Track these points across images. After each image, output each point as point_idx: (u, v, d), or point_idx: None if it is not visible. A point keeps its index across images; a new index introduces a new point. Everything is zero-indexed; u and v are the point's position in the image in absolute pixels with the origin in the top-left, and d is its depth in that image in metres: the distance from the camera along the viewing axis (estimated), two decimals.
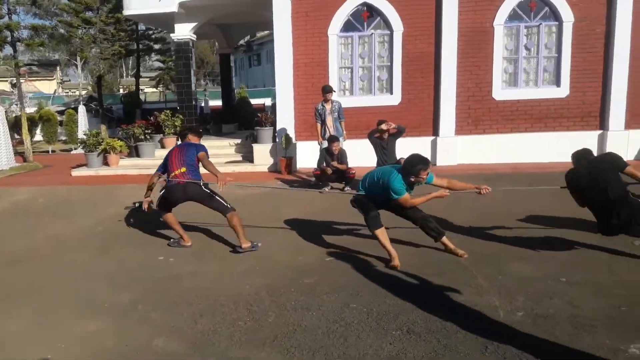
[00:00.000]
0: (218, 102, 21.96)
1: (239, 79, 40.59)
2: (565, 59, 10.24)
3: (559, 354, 3.23)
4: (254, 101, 20.25)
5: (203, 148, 5.71)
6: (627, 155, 10.13)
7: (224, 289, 4.54)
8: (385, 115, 9.72)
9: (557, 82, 10.43)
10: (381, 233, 5.00)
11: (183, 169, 5.53)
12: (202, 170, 5.62)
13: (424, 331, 3.62)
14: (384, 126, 8.10)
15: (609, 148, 10.14)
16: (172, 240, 5.90)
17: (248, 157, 11.54)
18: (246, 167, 10.96)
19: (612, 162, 4.89)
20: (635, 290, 4.08)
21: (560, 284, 4.31)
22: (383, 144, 8.30)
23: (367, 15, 10.66)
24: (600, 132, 10.38)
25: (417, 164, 4.79)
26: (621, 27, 9.82)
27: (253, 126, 12.14)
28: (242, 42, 28.48)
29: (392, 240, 5.59)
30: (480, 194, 5.07)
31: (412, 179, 4.79)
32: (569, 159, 9.63)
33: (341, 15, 10.59)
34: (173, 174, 5.56)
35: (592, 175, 4.83)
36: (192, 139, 5.91)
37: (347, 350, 3.44)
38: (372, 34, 10.68)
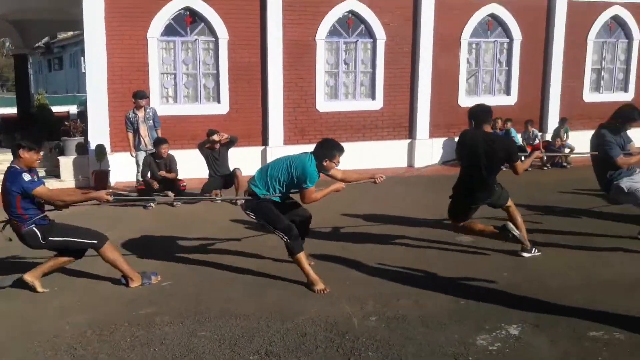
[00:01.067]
0: (9, 110, 18.97)
1: (36, 84, 35.80)
2: (379, 74, 11.08)
3: (416, 355, 3.28)
4: (55, 109, 17.94)
5: (32, 183, 4.19)
6: (432, 160, 11.37)
7: (37, 333, 3.70)
8: (213, 124, 9.34)
9: (373, 96, 11.24)
10: (302, 256, 4.44)
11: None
12: None
13: (283, 351, 3.39)
14: (215, 137, 7.74)
15: (417, 155, 11.30)
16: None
17: (53, 172, 10.05)
18: (52, 184, 9.48)
19: (509, 150, 4.83)
20: (469, 283, 4.44)
21: (404, 284, 4.48)
22: (215, 155, 7.93)
23: (191, 20, 10.16)
24: (409, 140, 11.46)
25: (333, 147, 4.47)
26: (424, 47, 10.99)
27: (59, 136, 10.65)
28: (39, 43, 25.14)
29: (227, 251, 5.36)
30: (376, 183, 4.93)
31: (325, 163, 4.42)
32: (384, 165, 10.71)
33: (162, 19, 9.91)
34: None
35: (487, 151, 4.70)
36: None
37: None
38: (196, 40, 10.21)
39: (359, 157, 10.75)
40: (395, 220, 6.64)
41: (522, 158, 5.64)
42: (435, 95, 11.32)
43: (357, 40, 10.96)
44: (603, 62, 12.50)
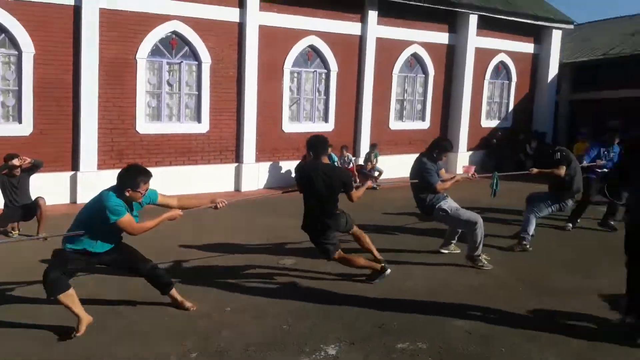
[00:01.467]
0: None
1: None
2: (205, 97, 10.95)
3: None
4: None
5: None
6: (259, 184, 11.59)
7: None
8: (12, 147, 8.23)
9: (199, 119, 11.05)
10: (66, 297, 3.92)
11: None
12: None
13: None
14: (16, 161, 6.80)
15: (244, 179, 11.38)
16: None
17: None
18: None
19: (344, 180, 5.02)
20: (290, 306, 4.54)
21: (227, 314, 4.41)
22: (13, 182, 6.98)
23: None
24: (236, 164, 11.49)
25: (135, 174, 3.98)
26: (250, 73, 11.18)
27: None
28: None
29: (19, 297, 4.69)
30: (217, 208, 4.60)
31: (128, 194, 3.94)
32: (212, 190, 10.55)
33: None
34: None
35: (325, 182, 4.88)
36: None
37: None
38: None
39: (185, 181, 10.46)
40: (219, 248, 6.53)
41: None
42: (260, 120, 11.56)
43: (182, 61, 10.71)
44: (405, 94, 14.14)
